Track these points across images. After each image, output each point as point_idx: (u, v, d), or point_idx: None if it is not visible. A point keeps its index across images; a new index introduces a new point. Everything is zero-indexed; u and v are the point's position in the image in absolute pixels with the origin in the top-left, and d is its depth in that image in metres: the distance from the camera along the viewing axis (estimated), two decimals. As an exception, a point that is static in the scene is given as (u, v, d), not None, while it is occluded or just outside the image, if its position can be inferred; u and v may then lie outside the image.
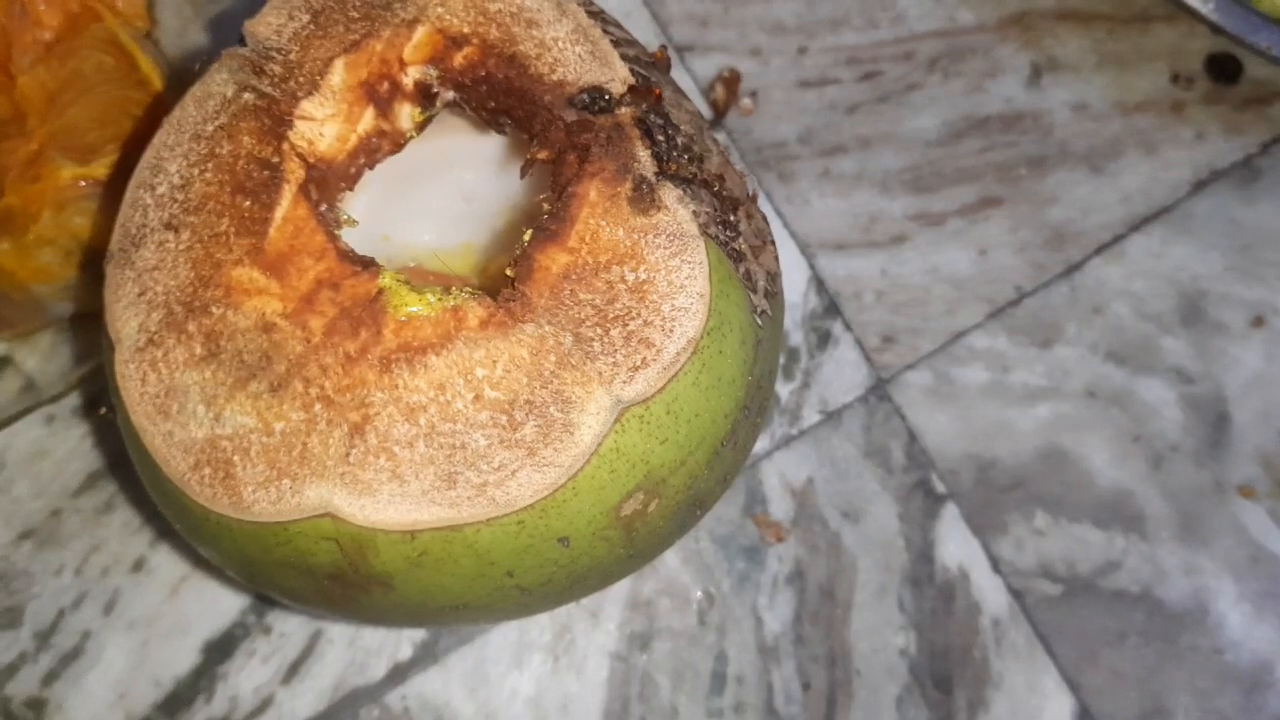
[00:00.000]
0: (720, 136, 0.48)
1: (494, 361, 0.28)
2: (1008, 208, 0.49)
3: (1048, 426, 0.47)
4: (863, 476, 0.46)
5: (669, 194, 0.29)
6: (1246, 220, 0.49)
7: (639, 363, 0.28)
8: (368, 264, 0.29)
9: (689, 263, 0.29)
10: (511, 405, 0.28)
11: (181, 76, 0.43)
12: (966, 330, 0.48)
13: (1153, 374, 0.48)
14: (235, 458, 0.28)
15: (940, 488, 0.46)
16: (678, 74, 0.49)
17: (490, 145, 0.40)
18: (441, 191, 0.41)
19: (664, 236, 0.29)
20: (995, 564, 0.46)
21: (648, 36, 0.49)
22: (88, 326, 0.45)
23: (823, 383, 0.47)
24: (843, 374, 0.47)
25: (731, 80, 0.49)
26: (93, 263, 0.41)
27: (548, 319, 0.28)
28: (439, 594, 0.30)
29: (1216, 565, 0.46)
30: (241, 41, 0.32)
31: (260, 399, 0.28)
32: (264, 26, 0.32)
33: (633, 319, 0.28)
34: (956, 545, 0.46)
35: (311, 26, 0.31)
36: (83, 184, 0.40)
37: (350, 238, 0.35)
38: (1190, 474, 0.47)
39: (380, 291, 0.29)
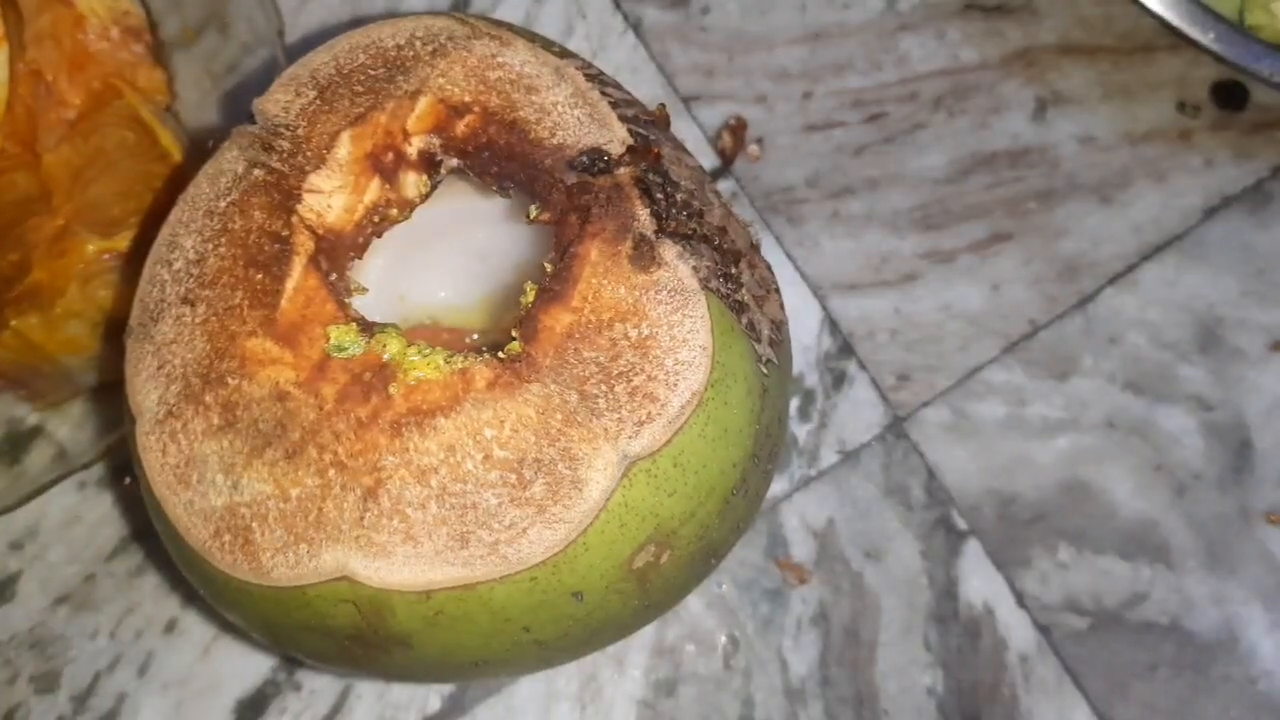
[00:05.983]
0: (728, 183, 0.49)
1: (502, 422, 0.28)
2: (1018, 242, 0.49)
3: (1068, 459, 0.47)
4: (883, 515, 0.46)
5: (669, 250, 0.30)
6: (1260, 244, 0.49)
7: (644, 417, 0.29)
8: (378, 330, 0.30)
9: (690, 317, 0.29)
10: (520, 464, 0.28)
11: (201, 149, 0.44)
12: (982, 365, 0.48)
13: (1172, 402, 0.47)
14: (254, 524, 0.29)
15: (962, 524, 0.46)
16: (685, 124, 0.50)
17: (500, 203, 0.40)
18: (455, 250, 0.41)
19: (665, 292, 0.29)
20: (1020, 599, 0.45)
21: (654, 89, 0.50)
22: (115, 395, 0.46)
23: (840, 423, 0.47)
24: (859, 414, 0.47)
25: (738, 128, 0.49)
26: (115, 333, 0.42)
27: (553, 378, 0.29)
28: (458, 652, 0.30)
29: (1245, 593, 0.45)
30: (252, 118, 0.33)
31: (276, 466, 0.29)
32: (272, 104, 0.33)
33: (636, 375, 0.29)
34: (980, 581, 0.46)
35: (318, 102, 0.32)
36: (107, 257, 0.41)
37: (367, 298, 0.36)
38: (1214, 502, 0.46)
39: (389, 357, 0.29)
